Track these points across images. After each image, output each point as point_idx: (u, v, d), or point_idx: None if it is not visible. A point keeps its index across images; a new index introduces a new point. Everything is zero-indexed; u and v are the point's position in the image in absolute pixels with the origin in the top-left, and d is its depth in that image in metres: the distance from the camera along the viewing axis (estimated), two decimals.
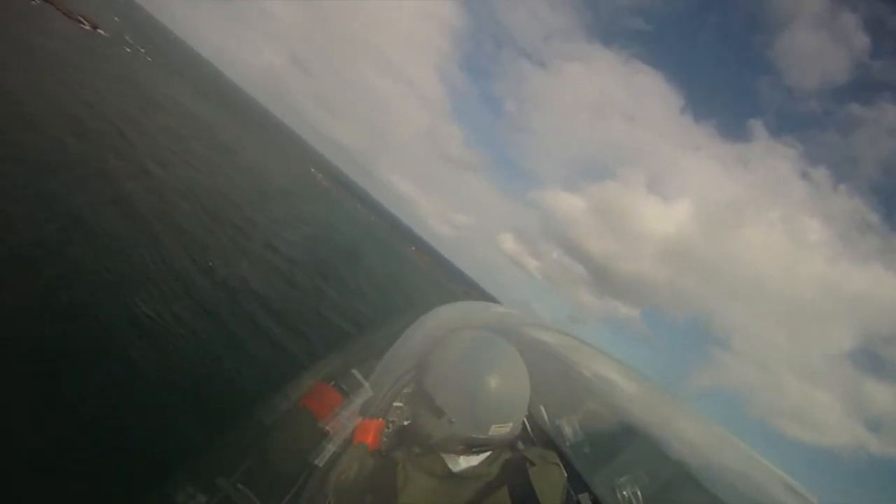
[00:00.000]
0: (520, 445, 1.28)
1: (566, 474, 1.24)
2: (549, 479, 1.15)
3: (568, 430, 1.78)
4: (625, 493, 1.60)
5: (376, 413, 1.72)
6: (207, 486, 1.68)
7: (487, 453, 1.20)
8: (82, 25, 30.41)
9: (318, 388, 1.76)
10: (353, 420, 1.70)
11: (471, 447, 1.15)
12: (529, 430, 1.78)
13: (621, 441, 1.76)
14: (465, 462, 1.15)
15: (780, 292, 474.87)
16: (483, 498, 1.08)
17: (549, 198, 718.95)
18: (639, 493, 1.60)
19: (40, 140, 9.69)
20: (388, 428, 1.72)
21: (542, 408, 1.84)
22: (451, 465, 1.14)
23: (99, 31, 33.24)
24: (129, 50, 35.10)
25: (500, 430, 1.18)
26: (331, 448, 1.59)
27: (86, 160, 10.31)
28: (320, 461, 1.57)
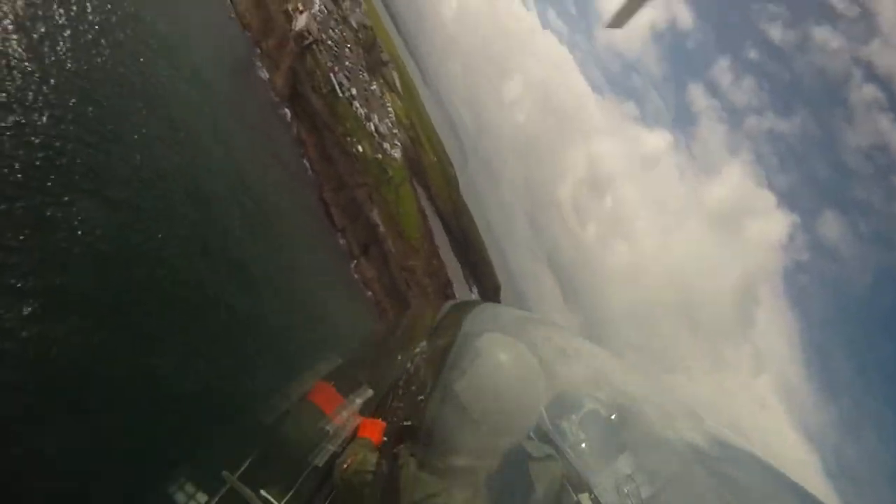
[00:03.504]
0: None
1: (563, 468, 1.26)
2: (547, 472, 1.18)
3: (568, 430, 1.78)
4: (625, 493, 1.60)
5: (377, 413, 1.73)
6: (210, 483, 1.69)
7: None
8: None
9: (318, 388, 1.76)
10: (353, 420, 1.70)
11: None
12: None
13: (621, 441, 1.76)
14: (468, 455, 1.16)
15: None
16: (484, 489, 1.10)
17: None
18: (639, 493, 1.59)
19: None
20: (388, 427, 1.72)
21: (542, 409, 1.84)
22: (455, 460, 1.15)
23: None
24: None
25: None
26: (331, 448, 1.60)
27: None
28: (320, 461, 1.58)
